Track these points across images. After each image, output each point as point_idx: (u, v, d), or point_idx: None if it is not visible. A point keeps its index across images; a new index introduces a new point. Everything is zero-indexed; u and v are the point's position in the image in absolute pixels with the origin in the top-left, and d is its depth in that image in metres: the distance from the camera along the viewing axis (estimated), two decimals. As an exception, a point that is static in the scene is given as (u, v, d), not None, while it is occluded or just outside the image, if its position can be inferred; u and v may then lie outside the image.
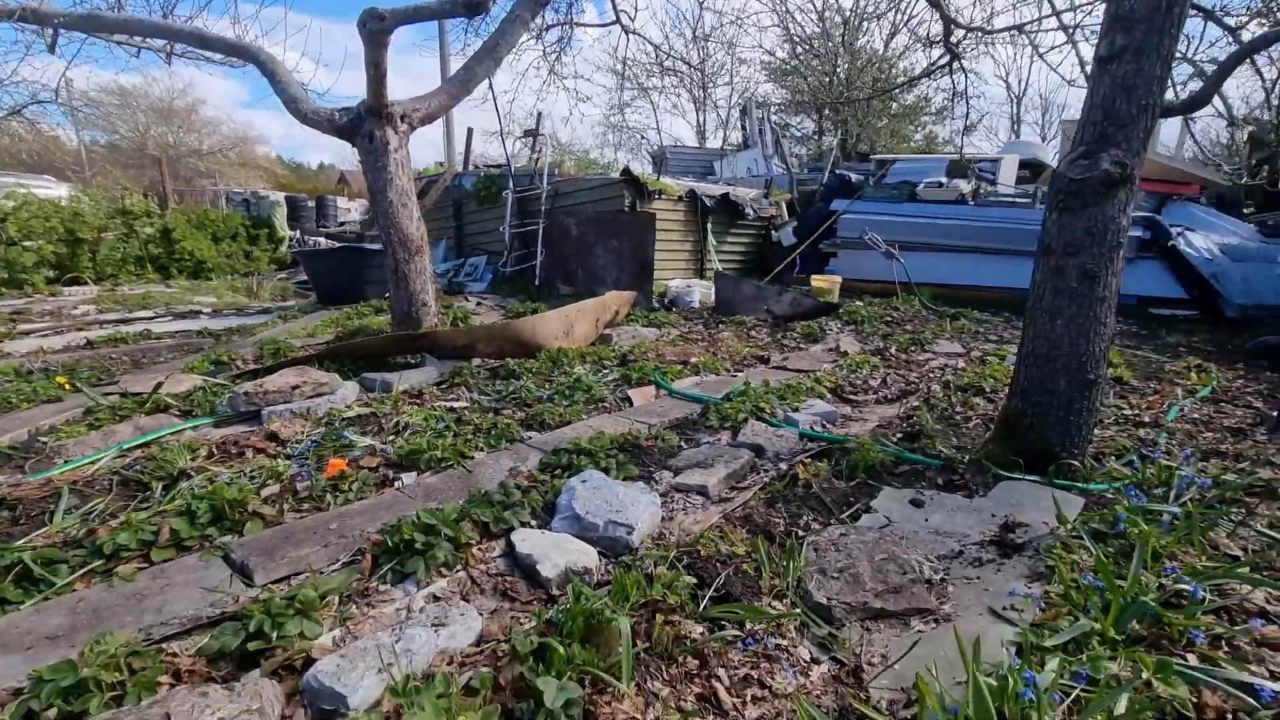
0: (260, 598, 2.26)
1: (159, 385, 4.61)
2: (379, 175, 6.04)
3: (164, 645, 2.14)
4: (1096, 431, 3.66)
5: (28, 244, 12.29)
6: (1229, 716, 1.80)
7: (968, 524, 2.86)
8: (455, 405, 4.68)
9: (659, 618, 2.13)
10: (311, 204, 22.34)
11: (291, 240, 18.51)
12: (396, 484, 3.33)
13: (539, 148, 12.14)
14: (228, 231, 16.73)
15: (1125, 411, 4.44)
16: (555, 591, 2.43)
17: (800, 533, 2.79)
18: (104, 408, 4.41)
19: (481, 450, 3.77)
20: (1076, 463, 3.25)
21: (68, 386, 4.97)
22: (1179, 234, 8.51)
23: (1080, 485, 3.13)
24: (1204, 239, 8.55)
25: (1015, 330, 7.42)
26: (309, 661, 2.06)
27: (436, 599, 2.42)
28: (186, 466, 3.48)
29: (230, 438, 3.95)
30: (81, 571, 2.50)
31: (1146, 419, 4.25)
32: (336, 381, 4.80)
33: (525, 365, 5.62)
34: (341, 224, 22.50)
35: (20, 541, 2.73)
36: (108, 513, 3.03)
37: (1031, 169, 12.98)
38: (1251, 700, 1.78)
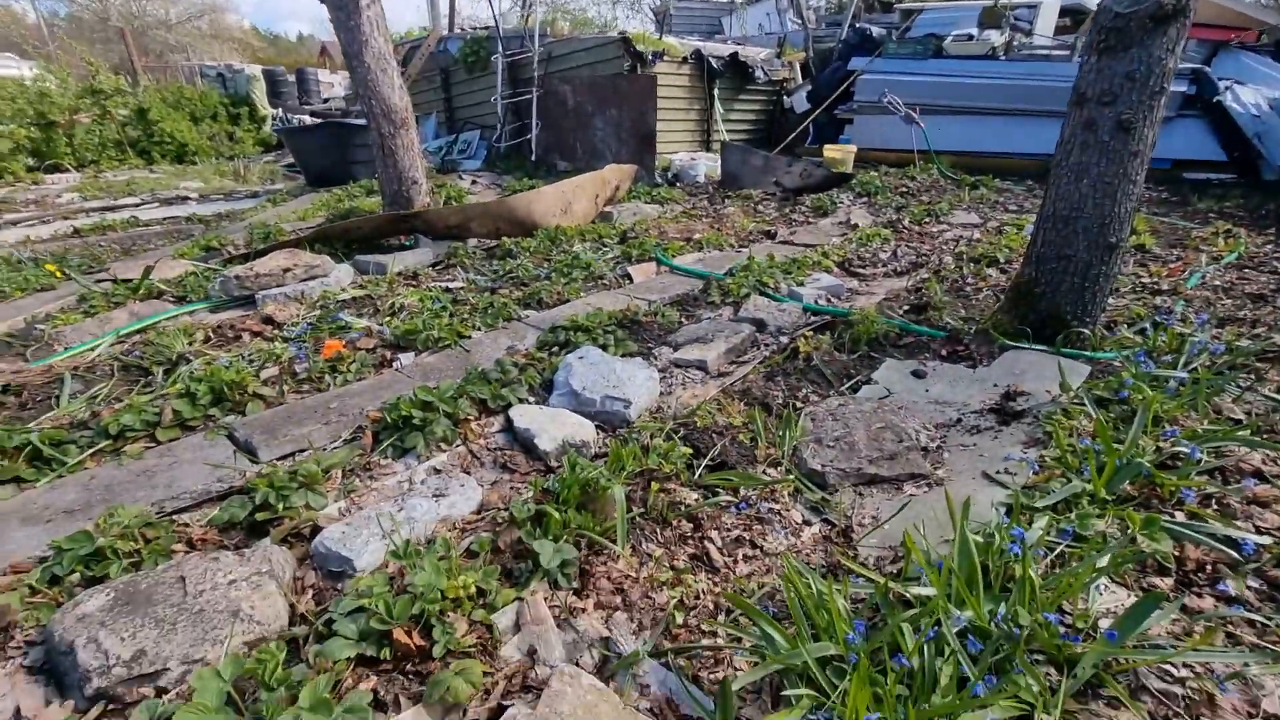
0: (264, 472, 2.31)
1: (149, 270, 4.52)
2: (352, 37, 5.54)
3: (175, 517, 2.22)
4: (1111, 300, 3.54)
5: (0, 128, 11.72)
6: (1209, 568, 1.84)
7: (969, 393, 2.83)
8: (451, 286, 4.58)
9: (654, 485, 2.16)
10: (291, 79, 20.91)
11: (274, 119, 17.53)
12: (394, 364, 3.32)
13: (530, 5, 11.07)
14: (206, 111, 15.82)
15: (1143, 279, 4.29)
16: (553, 464, 2.47)
17: (798, 404, 2.78)
18: (97, 295, 4.36)
19: (479, 330, 3.72)
20: (1087, 331, 3.16)
21: (59, 275, 4.90)
22: (1227, 88, 7.82)
23: (1088, 354, 3.06)
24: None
25: (1037, 199, 7.06)
26: (316, 530, 2.14)
27: (437, 472, 2.46)
28: (185, 351, 3.48)
29: (226, 322, 3.92)
30: (90, 451, 2.56)
31: (1165, 287, 4.10)
32: (329, 264, 4.69)
33: (522, 244, 5.45)
34: (325, 100, 21.19)
35: (29, 425, 2.77)
36: (111, 397, 3.06)
37: (1073, 16, 11.75)
38: (1234, 553, 1.81)
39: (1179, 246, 5.13)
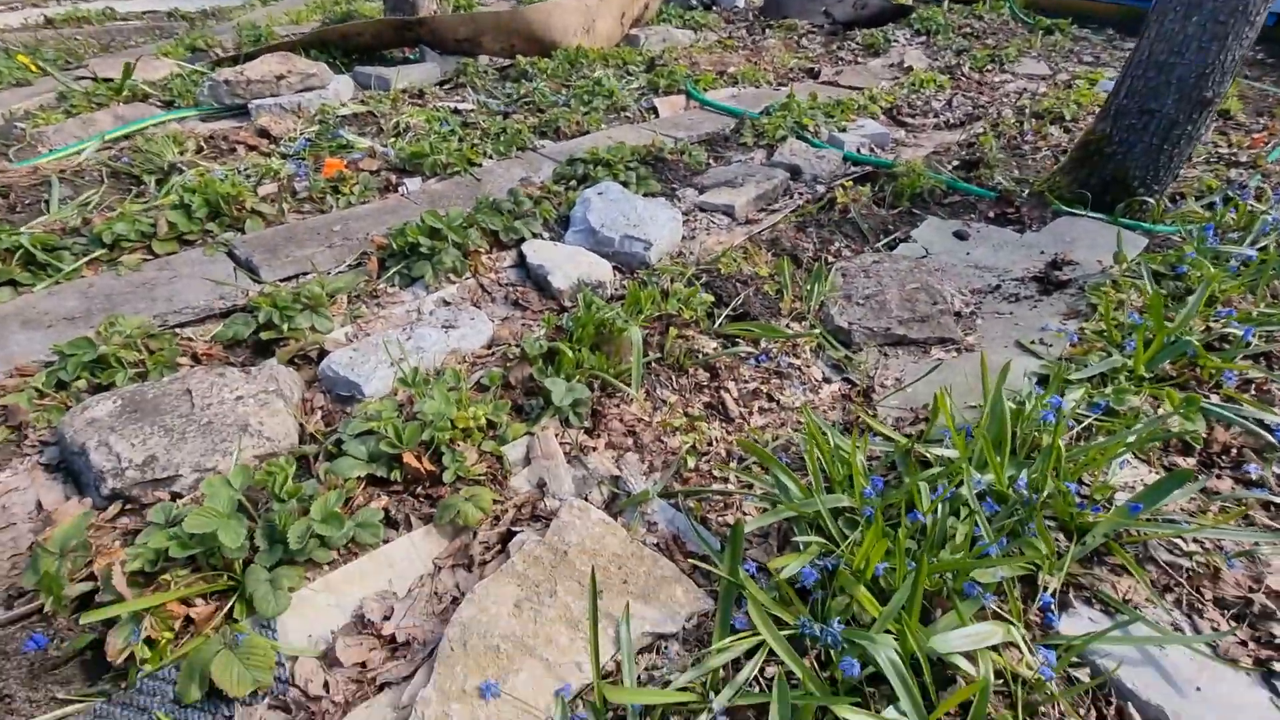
0: (267, 292, 2.21)
1: (130, 67, 4.13)
2: None
3: (178, 331, 2.16)
4: (1183, 170, 3.21)
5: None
6: (1234, 451, 1.79)
7: (1012, 259, 2.65)
8: (461, 107, 4.20)
9: (672, 331, 2.07)
10: None
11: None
12: (400, 189, 3.10)
13: None
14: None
15: (1221, 149, 3.88)
16: (567, 303, 2.36)
17: (830, 258, 2.61)
18: (78, 94, 4.01)
19: (490, 157, 3.45)
20: (1151, 200, 2.89)
21: (33, 69, 4.50)
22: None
23: (1148, 225, 2.82)
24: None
25: (1116, 51, 6.27)
26: (323, 354, 2.09)
27: (446, 303, 2.37)
28: (176, 161, 3.25)
29: (219, 132, 3.63)
30: (86, 259, 2.45)
31: (1244, 159, 3.71)
32: (326, 74, 4.27)
33: (539, 65, 4.92)
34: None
35: (19, 228, 2.64)
36: (103, 205, 2.89)
37: None
38: (1267, 436, 1.74)
39: (1266, 115, 4.60)
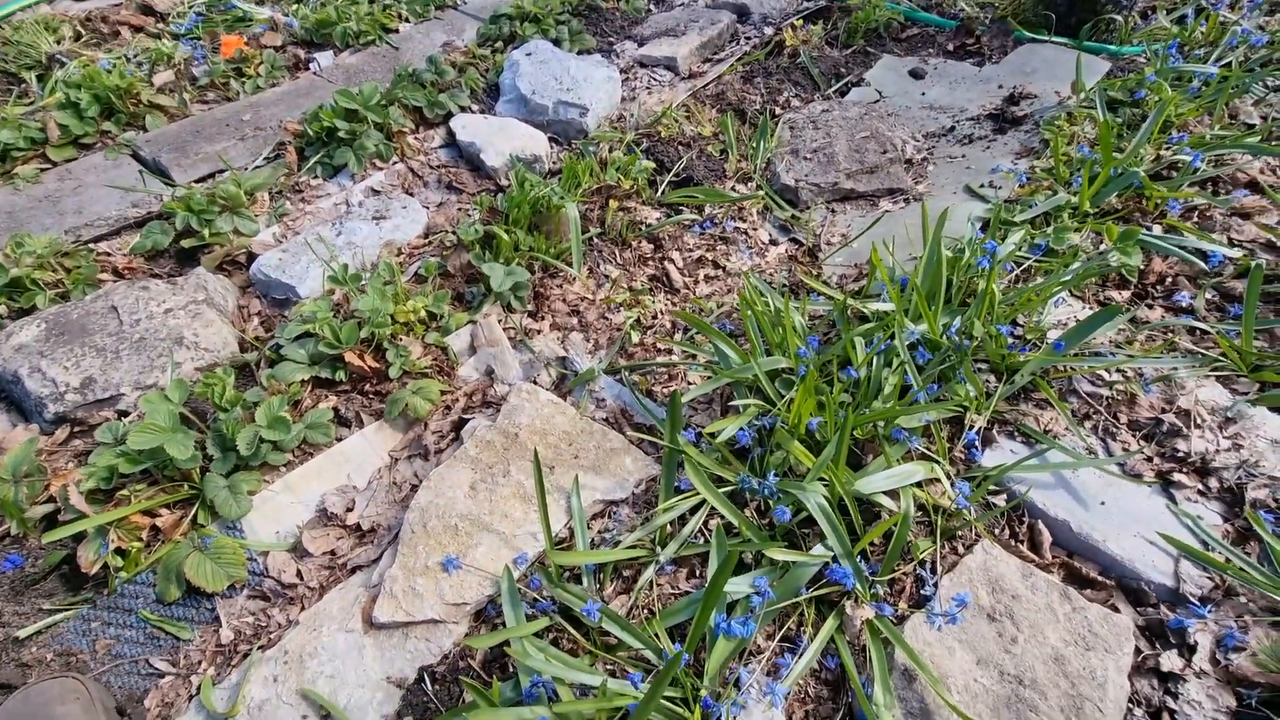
0: (180, 196, 2.07)
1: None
2: None
3: (93, 246, 2.04)
4: (1157, -21, 2.99)
5: None
6: (1169, 280, 1.82)
7: (968, 96, 2.52)
8: (370, -37, 3.72)
9: (613, 204, 1.99)
10: None
11: None
12: (311, 66, 2.82)
13: None
14: None
15: (1201, -48, 3.59)
16: (503, 182, 2.25)
17: (777, 110, 2.47)
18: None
19: (406, 21, 3.11)
20: (1119, 18, 2.71)
21: None
22: None
23: (1113, 48, 2.67)
24: None
25: None
26: (252, 258, 2.00)
27: (375, 193, 2.24)
28: (55, 51, 2.89)
29: (96, 12, 3.21)
30: (-25, 174, 2.25)
31: (1223, -38, 3.45)
32: (209, -69, 3.70)
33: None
34: None
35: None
36: (-18, 109, 2.61)
37: None
38: (1201, 263, 1.77)
39: (1257, -93, 4.22)
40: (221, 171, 2.29)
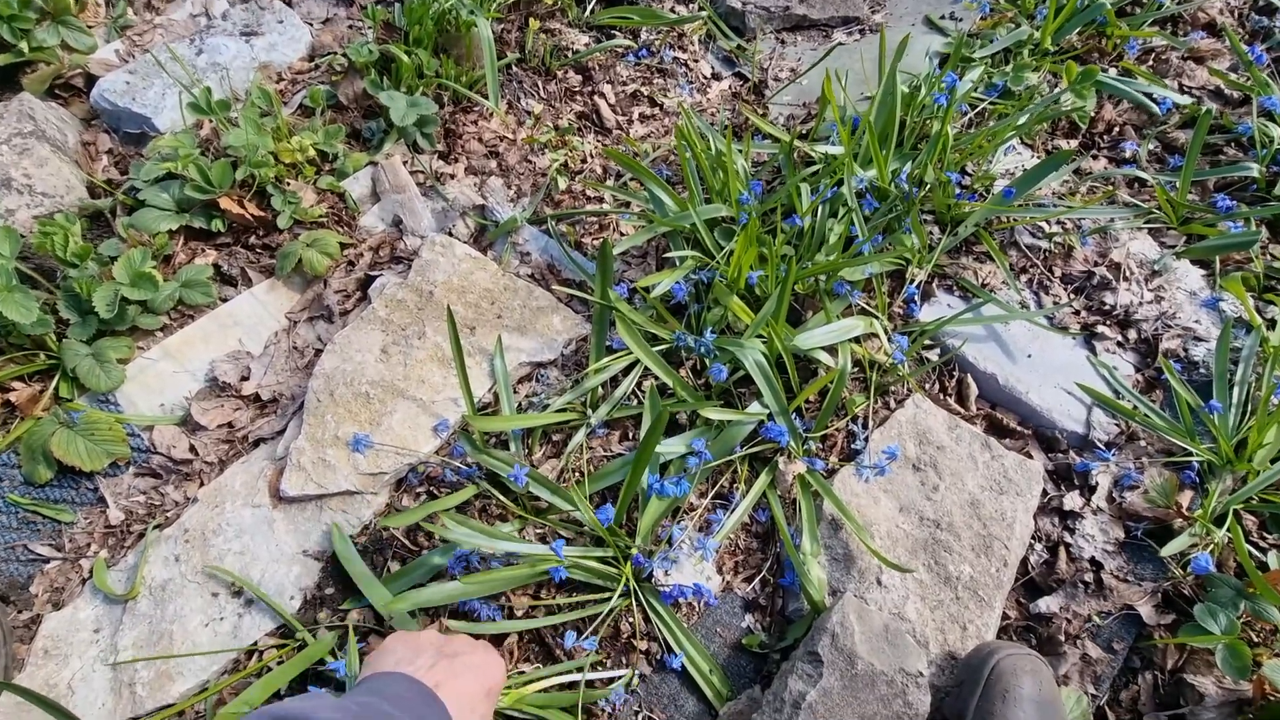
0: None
1: None
2: None
3: None
4: None
5: None
6: (1116, 128, 1.76)
7: (938, -91, 2.22)
8: None
9: (533, 24, 1.70)
10: None
11: None
12: None
13: None
14: None
15: None
16: (402, -7, 1.88)
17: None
18: None
19: None
20: None
21: None
22: None
23: None
24: None
25: None
26: (92, 81, 1.64)
27: (244, 1, 1.84)
28: None
29: None
30: None
31: None
32: None
33: None
34: None
35: None
36: None
37: None
38: (1154, 107, 1.71)
39: None
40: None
